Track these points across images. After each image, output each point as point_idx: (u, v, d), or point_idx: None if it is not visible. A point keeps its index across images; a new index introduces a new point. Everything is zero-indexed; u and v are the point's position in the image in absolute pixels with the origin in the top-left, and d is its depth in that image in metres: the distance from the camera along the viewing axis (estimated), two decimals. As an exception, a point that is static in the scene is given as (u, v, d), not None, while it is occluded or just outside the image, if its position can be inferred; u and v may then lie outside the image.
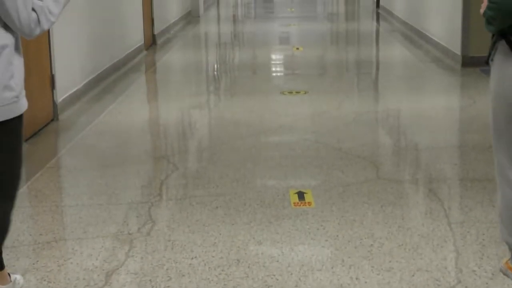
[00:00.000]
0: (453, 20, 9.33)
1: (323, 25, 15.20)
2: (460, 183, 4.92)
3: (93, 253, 3.83)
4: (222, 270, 3.59)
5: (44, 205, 4.58)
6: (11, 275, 3.36)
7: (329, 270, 3.56)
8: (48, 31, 6.60)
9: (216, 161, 5.49)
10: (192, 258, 3.73)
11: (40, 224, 4.28)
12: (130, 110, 7.33)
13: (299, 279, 3.48)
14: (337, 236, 3.98)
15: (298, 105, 7.36)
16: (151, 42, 11.75)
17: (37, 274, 3.60)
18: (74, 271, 3.62)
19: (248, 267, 3.62)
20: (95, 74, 8.30)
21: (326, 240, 3.93)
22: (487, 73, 3.46)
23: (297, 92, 7.87)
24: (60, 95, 6.99)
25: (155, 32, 11.98)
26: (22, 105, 3.10)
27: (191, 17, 15.75)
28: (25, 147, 5.58)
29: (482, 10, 3.16)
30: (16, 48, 3.09)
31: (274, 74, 9.94)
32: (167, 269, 3.62)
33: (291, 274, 3.53)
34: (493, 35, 3.22)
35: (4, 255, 3.31)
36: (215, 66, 10.64)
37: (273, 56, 11.35)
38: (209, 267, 3.62)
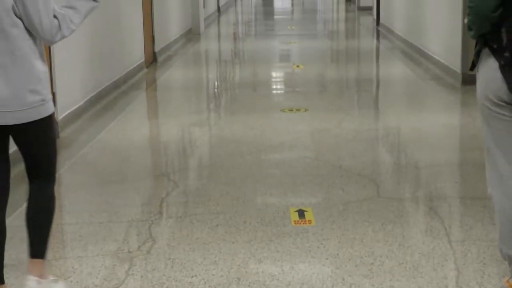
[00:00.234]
0: (453, 38, 9.36)
1: (324, 42, 15.23)
2: (461, 201, 4.91)
3: (93, 271, 3.82)
4: (222, 289, 3.58)
5: (44, 223, 4.57)
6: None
7: (330, 289, 3.55)
8: (49, 48, 6.62)
9: (216, 178, 5.49)
10: (192, 277, 3.72)
11: (40, 242, 4.26)
12: (131, 127, 7.34)
13: (300, 297, 3.48)
14: (338, 254, 3.97)
15: (299, 122, 7.36)
16: (152, 59, 11.77)
17: (37, 292, 3.58)
18: (74, 290, 3.62)
19: (249, 285, 3.61)
20: (96, 91, 8.32)
21: (327, 259, 3.93)
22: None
23: (298, 110, 7.87)
24: (61, 113, 7.00)
25: (156, 50, 12.01)
26: (50, 107, 3.27)
27: (191, 35, 15.79)
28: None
29: (466, 20, 3.20)
30: (41, 55, 3.23)
31: (274, 91, 9.95)
32: (167, 288, 3.61)
33: (292, 292, 3.53)
34: (476, 43, 3.24)
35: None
36: (216, 83, 10.65)
37: (274, 74, 11.37)
38: (209, 286, 3.61)
